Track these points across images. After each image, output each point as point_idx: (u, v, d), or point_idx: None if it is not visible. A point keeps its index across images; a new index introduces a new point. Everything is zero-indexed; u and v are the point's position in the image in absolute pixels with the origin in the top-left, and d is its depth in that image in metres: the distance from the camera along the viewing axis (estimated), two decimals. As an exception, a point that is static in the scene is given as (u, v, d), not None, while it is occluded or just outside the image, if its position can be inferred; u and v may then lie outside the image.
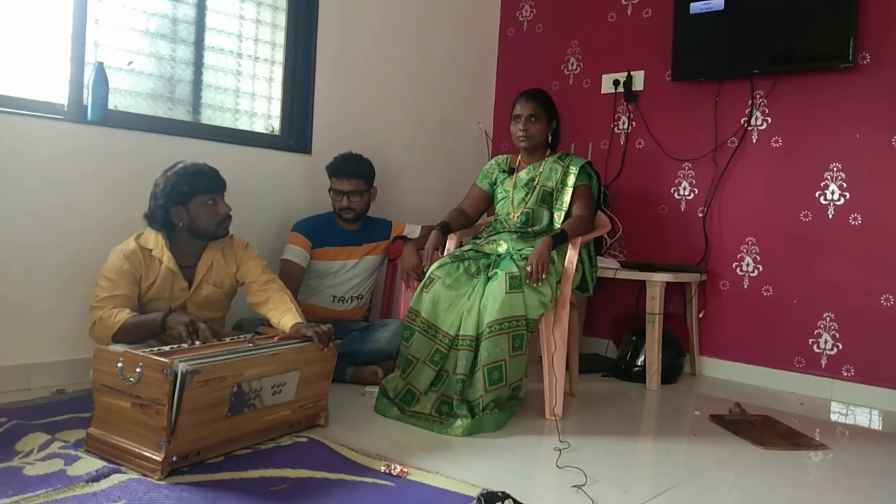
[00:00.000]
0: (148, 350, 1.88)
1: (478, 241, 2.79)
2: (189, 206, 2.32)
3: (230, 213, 2.40)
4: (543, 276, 2.47)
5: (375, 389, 2.60)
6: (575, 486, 1.92)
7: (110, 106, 2.70)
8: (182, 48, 3.00)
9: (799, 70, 3.27)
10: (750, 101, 3.42)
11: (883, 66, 3.08)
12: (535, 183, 2.81)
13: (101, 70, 2.62)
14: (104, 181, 2.66)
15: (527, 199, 2.81)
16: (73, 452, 1.84)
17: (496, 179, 2.95)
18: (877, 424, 2.87)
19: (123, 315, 2.17)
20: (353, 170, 3.04)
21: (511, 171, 2.90)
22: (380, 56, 3.66)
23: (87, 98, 2.64)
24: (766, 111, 3.39)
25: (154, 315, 2.19)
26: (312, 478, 1.84)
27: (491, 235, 2.80)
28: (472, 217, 2.99)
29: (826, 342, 3.22)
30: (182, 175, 2.32)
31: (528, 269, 2.46)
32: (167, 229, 2.37)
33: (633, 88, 3.77)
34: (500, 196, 2.91)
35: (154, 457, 1.76)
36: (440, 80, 4.00)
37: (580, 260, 2.69)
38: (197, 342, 2.06)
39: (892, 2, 3.05)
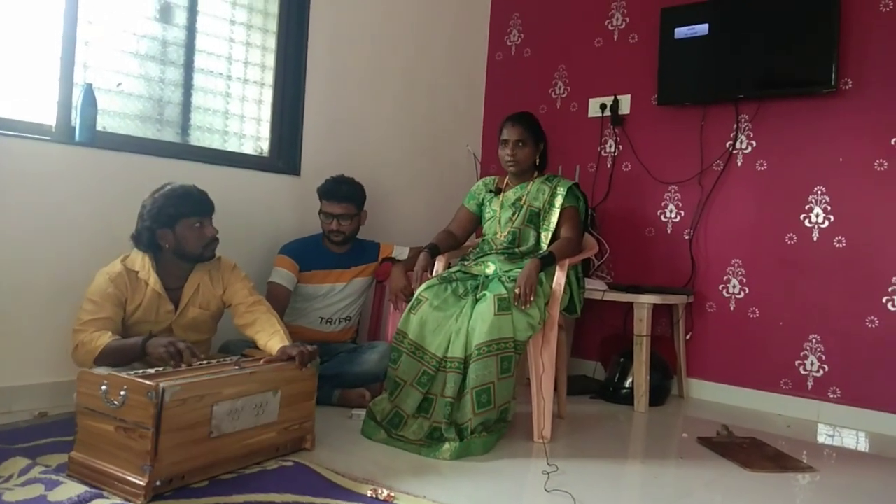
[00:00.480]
0: (133, 373, 1.87)
1: (466, 263, 2.80)
2: (175, 229, 2.32)
3: (217, 237, 2.40)
4: (531, 299, 2.47)
5: (362, 412, 2.59)
6: (563, 509, 1.92)
7: (99, 127, 2.70)
8: (171, 70, 3.01)
9: (783, 95, 3.32)
10: (735, 125, 3.47)
11: (864, 92, 3.14)
12: (523, 202, 2.83)
13: (89, 91, 2.63)
14: (91, 202, 2.65)
15: (514, 218, 2.83)
16: (54, 477, 1.81)
17: (483, 199, 2.96)
18: (863, 446, 2.88)
19: (105, 339, 2.15)
20: (344, 193, 3.04)
21: (498, 191, 2.92)
22: (369, 79, 3.69)
23: (76, 119, 2.64)
24: (751, 135, 3.44)
25: (135, 339, 2.16)
26: (298, 502, 1.81)
27: (479, 257, 2.80)
28: (460, 238, 3.00)
29: (812, 364, 3.23)
30: (169, 197, 2.32)
31: (517, 291, 2.46)
32: (153, 251, 2.36)
33: (620, 112, 3.81)
34: (487, 216, 2.92)
35: (137, 481, 1.74)
36: (429, 103, 4.03)
37: (568, 282, 2.70)
38: (182, 364, 2.04)
39: (872, 28, 3.11)
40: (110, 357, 2.12)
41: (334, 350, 3.00)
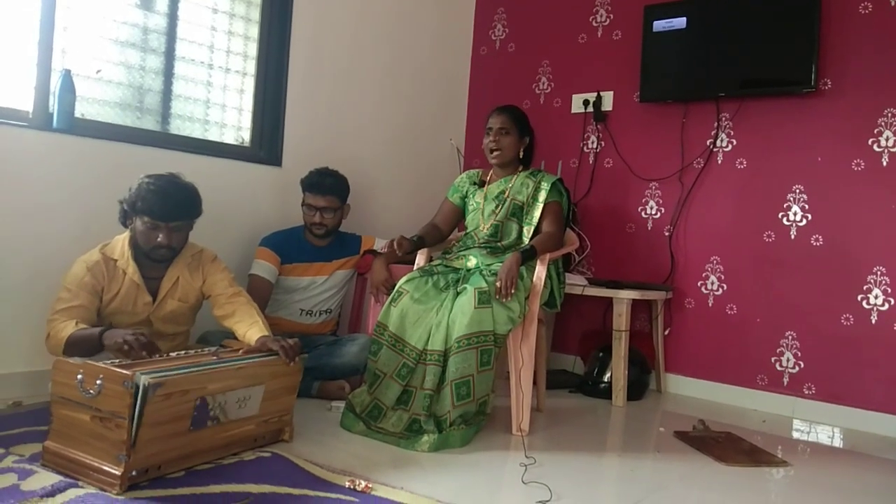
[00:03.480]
0: (109, 362, 1.85)
1: (447, 256, 2.80)
2: (136, 220, 2.29)
3: (167, 245, 2.29)
4: (512, 292, 2.48)
5: (342, 404, 2.58)
6: (540, 501, 1.93)
7: (77, 114, 2.67)
8: (152, 58, 2.97)
9: (763, 94, 3.35)
10: (716, 123, 3.49)
11: (843, 92, 3.17)
12: (506, 196, 2.83)
13: (68, 77, 2.59)
14: (69, 190, 2.62)
15: (497, 211, 2.83)
16: (27, 467, 1.79)
17: (467, 192, 2.96)
18: (837, 442, 2.93)
19: (70, 329, 2.10)
20: (329, 186, 3.03)
21: (482, 184, 2.92)
22: (353, 70, 3.67)
23: (54, 105, 2.60)
24: (732, 133, 3.47)
25: (92, 330, 2.11)
26: (275, 493, 1.81)
27: (461, 251, 2.80)
28: (445, 232, 2.99)
29: (788, 360, 3.27)
30: (145, 188, 2.26)
31: (497, 284, 2.47)
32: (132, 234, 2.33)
33: (603, 108, 3.83)
34: (470, 208, 2.92)
35: (113, 471, 1.72)
36: (413, 96, 4.02)
37: (548, 276, 2.70)
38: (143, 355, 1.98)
39: (851, 29, 3.15)
40: (74, 347, 2.08)
41: (314, 342, 2.99)
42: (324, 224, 3.04)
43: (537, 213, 2.79)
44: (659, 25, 3.54)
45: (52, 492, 1.66)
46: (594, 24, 3.91)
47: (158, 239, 2.27)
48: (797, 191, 3.28)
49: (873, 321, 3.07)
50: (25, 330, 2.49)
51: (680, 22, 3.47)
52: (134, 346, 1.97)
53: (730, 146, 3.47)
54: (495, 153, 2.83)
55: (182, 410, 1.84)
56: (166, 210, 2.26)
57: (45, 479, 1.73)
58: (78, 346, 2.09)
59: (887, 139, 3.07)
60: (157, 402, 1.74)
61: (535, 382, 2.76)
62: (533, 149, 2.93)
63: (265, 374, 2.10)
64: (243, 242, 3.16)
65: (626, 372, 3.23)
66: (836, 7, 3.17)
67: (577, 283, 3.31)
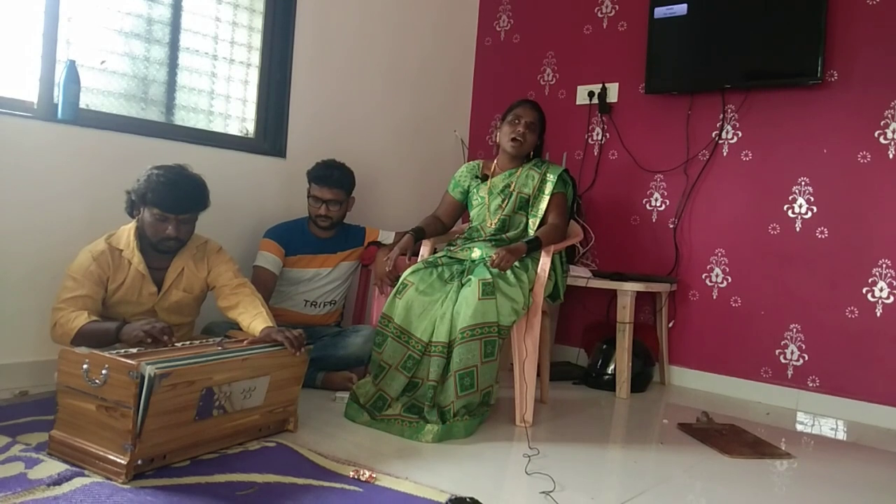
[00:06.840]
0: (115, 352, 1.85)
1: (452, 248, 2.80)
2: (144, 210, 2.30)
3: (175, 237, 2.30)
4: (507, 266, 2.48)
5: (346, 395, 2.59)
6: (543, 492, 1.93)
7: (82, 105, 2.67)
8: (156, 48, 2.97)
9: (769, 85, 3.34)
10: (721, 115, 3.48)
11: (850, 84, 3.16)
12: (512, 189, 2.82)
13: (72, 68, 2.59)
14: (73, 181, 2.62)
15: (503, 205, 2.82)
16: (34, 455, 1.81)
17: (468, 187, 2.95)
18: (841, 435, 2.92)
19: (81, 320, 2.12)
20: (336, 179, 3.03)
21: (485, 178, 2.91)
22: (357, 62, 3.67)
23: (58, 96, 2.60)
24: (737, 125, 3.45)
25: (108, 325, 2.12)
26: (280, 483, 1.82)
27: (465, 243, 2.80)
28: (447, 224, 2.99)
29: (792, 353, 3.27)
30: (155, 178, 2.27)
31: (494, 255, 2.47)
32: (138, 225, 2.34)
33: (608, 100, 3.81)
34: (475, 203, 2.92)
35: (119, 460, 1.74)
36: (417, 87, 4.01)
37: (552, 267, 2.70)
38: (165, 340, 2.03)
39: (858, 20, 3.13)
40: (85, 339, 2.08)
41: (318, 333, 2.99)
42: (329, 216, 3.04)
43: (543, 206, 2.79)
44: (660, 12, 3.52)
45: (59, 480, 1.68)
46: (599, 14, 3.89)
47: (167, 231, 2.28)
48: (802, 183, 3.27)
49: (878, 314, 3.07)
50: (31, 320, 2.50)
51: (681, 8, 3.45)
52: (155, 335, 2.01)
53: (735, 138, 3.46)
54: (516, 143, 2.80)
55: (188, 401, 1.85)
56: (176, 202, 2.27)
57: (51, 467, 1.74)
58: (90, 338, 2.10)
59: (894, 132, 3.05)
60: (163, 392, 1.75)
61: (538, 374, 2.77)
62: (542, 147, 2.94)
63: (271, 364, 2.10)
64: (248, 234, 3.16)
65: (630, 364, 3.23)
66: (844, -2, 3.16)
67: (581, 276, 3.31)
